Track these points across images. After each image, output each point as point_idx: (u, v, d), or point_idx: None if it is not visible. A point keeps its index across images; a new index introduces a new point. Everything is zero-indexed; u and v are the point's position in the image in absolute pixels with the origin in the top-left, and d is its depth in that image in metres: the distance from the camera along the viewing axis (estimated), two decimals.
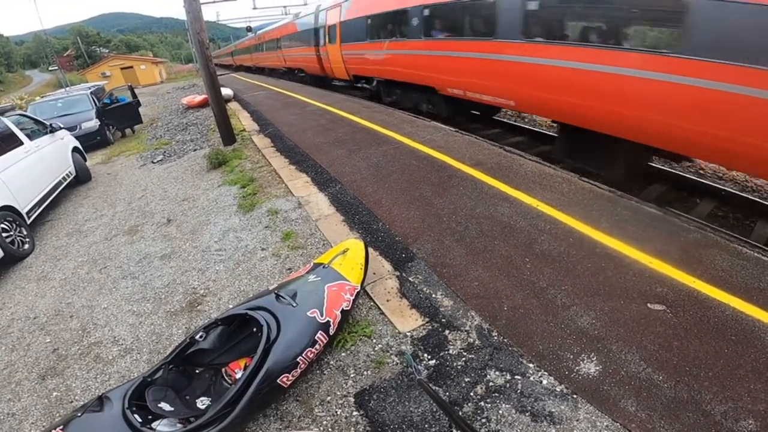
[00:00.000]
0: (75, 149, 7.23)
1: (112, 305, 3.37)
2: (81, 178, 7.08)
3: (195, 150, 7.85)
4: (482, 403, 1.97)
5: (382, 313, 2.67)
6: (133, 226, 4.87)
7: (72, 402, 2.47)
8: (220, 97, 7.30)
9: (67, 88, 14.17)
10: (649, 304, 2.41)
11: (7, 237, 4.36)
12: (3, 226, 4.38)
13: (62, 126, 7.18)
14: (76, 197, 6.48)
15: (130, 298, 3.41)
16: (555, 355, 2.17)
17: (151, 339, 2.88)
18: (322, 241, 3.67)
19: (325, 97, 11.31)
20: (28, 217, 4.97)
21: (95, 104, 10.43)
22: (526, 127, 7.94)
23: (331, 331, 2.27)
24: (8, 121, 5.50)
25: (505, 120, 8.58)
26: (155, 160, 7.69)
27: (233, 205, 4.85)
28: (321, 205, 4.40)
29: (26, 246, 4.67)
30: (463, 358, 2.22)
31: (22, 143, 5.48)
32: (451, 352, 2.28)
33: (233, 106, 11.79)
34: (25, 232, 4.75)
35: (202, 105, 12.87)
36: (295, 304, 2.22)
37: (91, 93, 10.80)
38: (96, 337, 3.01)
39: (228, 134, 7.51)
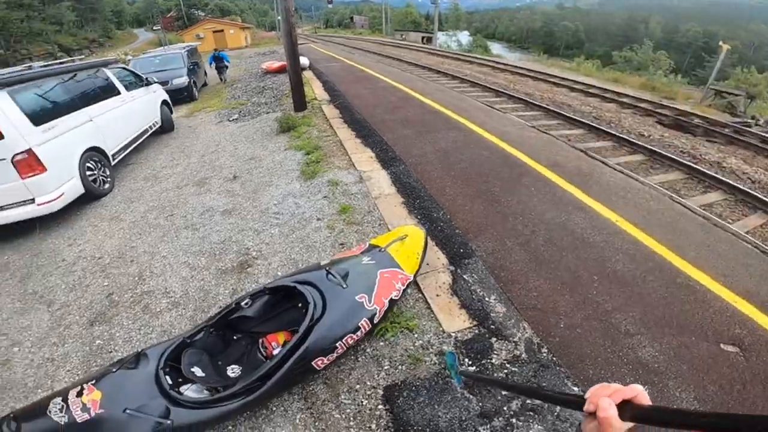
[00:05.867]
0: (164, 102, 7.80)
1: (170, 254, 3.52)
2: (166, 128, 7.65)
3: (267, 113, 8.09)
4: (514, 420, 1.85)
5: (429, 308, 2.56)
6: (203, 179, 5.13)
7: (111, 352, 2.54)
8: (298, 65, 7.39)
9: (166, 47, 15.35)
10: (722, 345, 2.23)
11: (90, 175, 4.76)
12: (89, 165, 4.77)
13: (156, 80, 7.74)
14: (158, 145, 7.01)
15: (188, 250, 3.54)
16: (605, 383, 1.92)
17: (198, 295, 2.95)
18: (379, 221, 3.56)
19: (398, 75, 11.09)
20: (113, 159, 5.41)
21: (187, 63, 11.20)
22: (612, 132, 7.08)
23: (376, 320, 2.16)
24: (110, 73, 6.03)
25: (587, 121, 7.74)
26: (231, 119, 8.07)
27: (296, 170, 4.89)
28: (382, 183, 4.29)
29: (107, 186, 5.09)
30: (506, 370, 2.10)
31: (119, 93, 6.00)
32: (493, 361, 2.15)
33: (307, 75, 11.99)
34: (108, 173, 5.17)
35: (279, 71, 13.25)
36: (344, 286, 2.12)
37: (186, 52, 11.58)
38: (149, 286, 3.13)
39: (300, 101, 7.63)
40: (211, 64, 13.51)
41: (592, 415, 0.55)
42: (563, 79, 12.62)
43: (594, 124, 7.54)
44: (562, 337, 2.26)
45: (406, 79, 10.31)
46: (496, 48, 48.54)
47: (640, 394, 0.53)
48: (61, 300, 3.13)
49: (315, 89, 9.68)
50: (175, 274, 3.23)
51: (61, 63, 5.55)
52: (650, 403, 0.53)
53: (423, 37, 34.40)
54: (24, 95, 4.07)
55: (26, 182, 3.88)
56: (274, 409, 2.02)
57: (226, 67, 13.72)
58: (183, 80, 10.55)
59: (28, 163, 3.86)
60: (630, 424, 0.52)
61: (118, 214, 4.48)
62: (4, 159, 3.74)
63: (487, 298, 2.58)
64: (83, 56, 18.99)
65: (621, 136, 6.77)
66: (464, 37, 54.90)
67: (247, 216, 3.96)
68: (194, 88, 11.23)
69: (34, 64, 5.44)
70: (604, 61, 27.57)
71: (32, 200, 3.98)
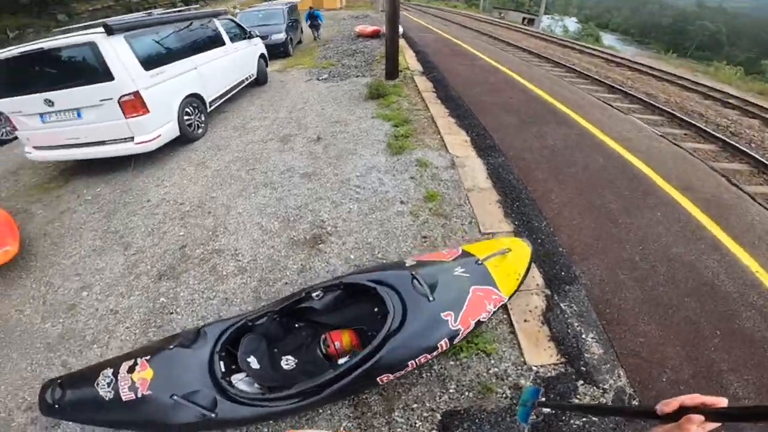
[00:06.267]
0: (261, 55, 7.92)
1: (246, 211, 3.46)
2: (260, 80, 7.81)
3: (357, 76, 7.86)
4: None
5: (513, 333, 2.25)
6: (287, 135, 5.07)
7: (172, 314, 2.52)
8: (397, 30, 6.98)
9: (270, 2, 15.72)
10: None
11: (187, 120, 4.94)
12: (187, 110, 4.95)
13: (257, 34, 7.84)
14: (251, 96, 7.13)
15: (263, 210, 3.46)
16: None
17: (266, 264, 2.84)
18: (470, 218, 3.18)
19: (497, 54, 10.20)
20: (210, 106, 5.58)
21: (286, 19, 11.32)
22: (752, 153, 5.68)
23: (456, 341, 1.85)
24: (219, 24, 6.17)
25: (722, 136, 6.36)
26: (320, 78, 7.99)
27: (382, 142, 4.60)
28: (477, 173, 3.85)
29: (200, 131, 5.28)
30: (584, 419, 1.85)
31: (224, 44, 6.13)
32: None
33: (401, 43, 11.43)
34: (203, 119, 5.36)
35: (372, 36, 12.91)
36: (431, 298, 1.82)
37: (287, 9, 11.69)
38: (221, 244, 3.09)
39: (393, 68, 7.26)
40: (306, 21, 13.60)
41: (665, 420, 0.63)
42: (695, 83, 10.62)
43: (731, 141, 6.20)
44: (660, 392, 1.97)
45: (506, 59, 9.40)
46: (607, 39, 43.17)
47: (720, 403, 0.60)
48: (138, 244, 3.22)
49: (408, 58, 9.22)
50: (247, 234, 3.17)
51: (178, 11, 5.73)
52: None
53: (524, 18, 31.41)
54: (139, 41, 4.24)
55: (129, 121, 4.10)
56: (321, 411, 1.88)
57: (320, 25, 13.73)
58: (281, 36, 10.75)
59: (133, 105, 4.06)
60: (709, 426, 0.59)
61: (205, 160, 4.58)
62: (111, 99, 3.94)
63: (583, 335, 2.23)
64: (198, 6, 20.28)
65: (762, 160, 5.47)
66: (572, 23, 49.43)
67: (326, 184, 3.79)
68: (290, 45, 11.40)
69: (154, 11, 5.69)
70: (746, 68, 23.14)
71: (131, 138, 4.20)
